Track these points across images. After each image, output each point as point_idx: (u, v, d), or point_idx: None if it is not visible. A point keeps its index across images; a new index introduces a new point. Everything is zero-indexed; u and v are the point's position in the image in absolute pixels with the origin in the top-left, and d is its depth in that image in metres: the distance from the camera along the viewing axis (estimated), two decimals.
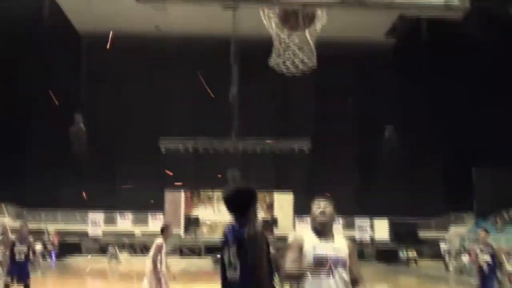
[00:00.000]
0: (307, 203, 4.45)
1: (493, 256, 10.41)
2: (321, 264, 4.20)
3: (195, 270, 29.41)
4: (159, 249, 9.85)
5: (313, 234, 4.37)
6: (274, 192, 40.79)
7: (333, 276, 4.18)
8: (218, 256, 4.36)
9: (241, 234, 3.98)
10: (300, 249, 4.28)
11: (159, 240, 9.97)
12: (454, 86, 34.65)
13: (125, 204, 38.98)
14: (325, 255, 4.22)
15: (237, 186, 4.27)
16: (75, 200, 36.64)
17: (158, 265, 9.80)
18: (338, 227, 35.19)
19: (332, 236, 4.38)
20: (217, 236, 32.42)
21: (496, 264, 10.43)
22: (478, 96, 33.85)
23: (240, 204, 4.08)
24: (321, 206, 4.39)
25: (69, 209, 38.98)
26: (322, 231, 4.35)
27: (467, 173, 35.67)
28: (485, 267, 10.34)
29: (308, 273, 4.21)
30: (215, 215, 40.52)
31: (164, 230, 10.08)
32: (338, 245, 4.33)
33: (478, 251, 10.55)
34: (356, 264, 4.38)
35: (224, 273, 4.11)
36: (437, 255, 33.75)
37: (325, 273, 4.18)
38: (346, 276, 4.25)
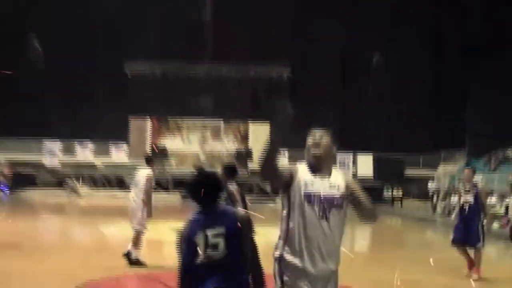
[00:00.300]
0: (286, 135, 3.91)
1: (477, 196, 10.38)
2: (312, 203, 3.92)
3: (162, 206, 29.24)
4: (150, 181, 10.41)
5: (307, 169, 4.03)
6: (249, 122, 40.57)
7: (326, 218, 3.92)
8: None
9: (229, 214, 4.19)
10: (291, 175, 4.01)
11: (149, 172, 10.50)
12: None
13: (85, 132, 38.44)
14: (318, 193, 3.94)
15: (202, 171, 4.46)
16: (30, 127, 36.00)
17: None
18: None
19: (329, 172, 4.06)
20: (186, 169, 32.26)
21: (480, 205, 10.42)
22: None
23: (214, 187, 4.21)
24: (316, 137, 4.07)
25: (23, 137, 38.21)
26: (317, 166, 4.01)
27: (461, 108, 35.66)
28: (466, 208, 10.33)
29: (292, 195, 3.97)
30: (184, 145, 40.37)
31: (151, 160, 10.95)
32: (335, 183, 4.03)
33: (462, 191, 10.54)
34: (365, 201, 4.11)
35: (190, 266, 3.99)
36: (424, 195, 34.00)
37: (318, 214, 3.92)
38: (342, 219, 4.02)
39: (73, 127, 38.29)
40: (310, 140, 4.08)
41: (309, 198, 3.93)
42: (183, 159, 39.30)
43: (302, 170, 4.03)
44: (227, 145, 39.99)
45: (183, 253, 4.00)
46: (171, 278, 4.34)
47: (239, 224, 4.06)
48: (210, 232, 3.99)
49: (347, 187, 4.06)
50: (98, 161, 39.62)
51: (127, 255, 10.11)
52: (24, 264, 10.18)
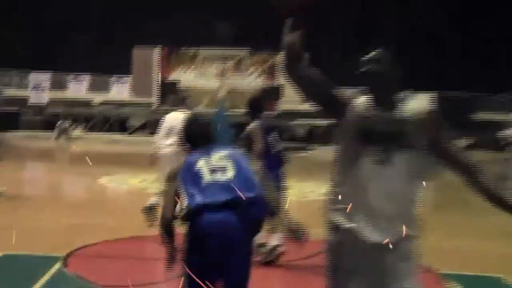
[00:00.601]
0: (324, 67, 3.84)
1: None
2: (371, 143, 3.52)
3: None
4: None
5: (366, 101, 3.64)
6: (279, 53, 40.10)
7: (392, 164, 3.51)
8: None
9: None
10: (345, 98, 3.66)
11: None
12: None
13: (80, 64, 38.66)
14: (378, 129, 3.53)
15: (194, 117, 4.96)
16: (12, 56, 36.26)
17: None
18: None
19: (393, 104, 3.66)
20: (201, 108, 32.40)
21: None
22: None
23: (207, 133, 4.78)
24: (371, 54, 3.65)
25: (4, 68, 38.60)
26: (375, 91, 3.64)
27: None
28: None
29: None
30: (199, 80, 40.53)
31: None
32: (403, 115, 3.61)
33: None
34: (449, 145, 3.64)
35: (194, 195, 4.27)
36: (495, 144, 33.71)
37: (379, 159, 3.51)
38: (417, 165, 3.55)
39: (65, 56, 38.49)
40: (363, 59, 3.67)
41: (365, 136, 3.54)
42: (198, 97, 39.40)
43: (359, 101, 3.65)
44: (251, 81, 40.08)
45: (184, 181, 4.33)
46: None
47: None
48: (214, 156, 4.46)
49: (427, 122, 3.62)
50: (96, 98, 40.00)
51: (149, 209, 10.09)
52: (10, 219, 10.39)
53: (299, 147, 27.52)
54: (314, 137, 33.44)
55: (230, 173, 4.35)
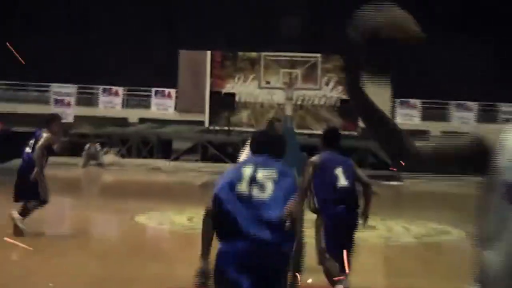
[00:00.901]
0: None
1: None
2: None
3: None
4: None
5: None
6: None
7: None
8: None
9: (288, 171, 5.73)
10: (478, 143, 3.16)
11: None
12: None
13: (112, 75, 39.28)
14: None
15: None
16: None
17: None
18: None
19: None
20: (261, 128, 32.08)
21: None
22: None
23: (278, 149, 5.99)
24: None
25: (18, 81, 39.30)
26: None
27: None
28: None
29: None
30: (261, 92, 40.49)
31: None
32: None
33: None
34: None
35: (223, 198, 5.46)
36: None
37: None
38: None
39: (91, 64, 38.94)
40: None
41: None
42: (259, 113, 39.37)
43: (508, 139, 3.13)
44: (326, 93, 39.91)
45: (224, 176, 5.63)
46: None
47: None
48: (262, 170, 5.54)
49: None
50: (133, 115, 40.30)
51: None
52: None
53: (389, 175, 27.06)
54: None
55: (267, 194, 5.46)
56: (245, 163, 5.80)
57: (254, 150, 5.99)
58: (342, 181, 8.68)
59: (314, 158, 8.95)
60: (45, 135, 13.07)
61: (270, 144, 5.94)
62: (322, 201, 8.71)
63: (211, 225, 5.50)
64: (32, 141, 13.21)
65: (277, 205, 5.33)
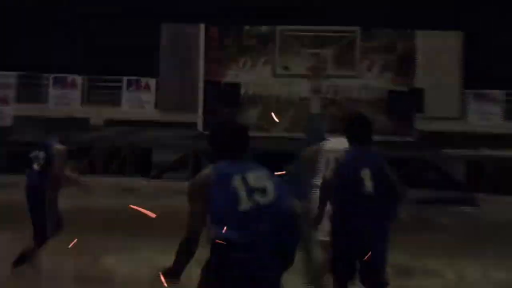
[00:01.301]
0: None
1: None
2: None
3: None
4: None
5: None
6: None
7: None
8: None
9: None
10: None
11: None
12: None
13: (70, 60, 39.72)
14: None
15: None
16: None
17: None
18: None
19: None
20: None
21: None
22: None
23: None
24: None
25: None
26: None
27: None
28: None
29: None
30: (275, 81, 40.66)
31: None
32: None
33: None
34: None
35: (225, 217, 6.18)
36: None
37: None
38: None
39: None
40: None
41: None
42: (274, 110, 39.29)
43: None
44: (367, 82, 40.05)
45: (214, 199, 6.24)
46: None
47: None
48: (251, 175, 6.33)
49: None
50: (96, 115, 40.22)
51: None
52: None
53: (459, 198, 27.14)
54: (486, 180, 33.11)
55: (271, 196, 6.28)
56: (226, 176, 6.35)
57: (228, 156, 6.60)
58: (369, 187, 8.81)
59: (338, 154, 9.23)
60: None
61: (244, 142, 6.88)
62: (338, 214, 8.95)
63: (192, 252, 6.70)
64: None
65: (285, 201, 6.27)
